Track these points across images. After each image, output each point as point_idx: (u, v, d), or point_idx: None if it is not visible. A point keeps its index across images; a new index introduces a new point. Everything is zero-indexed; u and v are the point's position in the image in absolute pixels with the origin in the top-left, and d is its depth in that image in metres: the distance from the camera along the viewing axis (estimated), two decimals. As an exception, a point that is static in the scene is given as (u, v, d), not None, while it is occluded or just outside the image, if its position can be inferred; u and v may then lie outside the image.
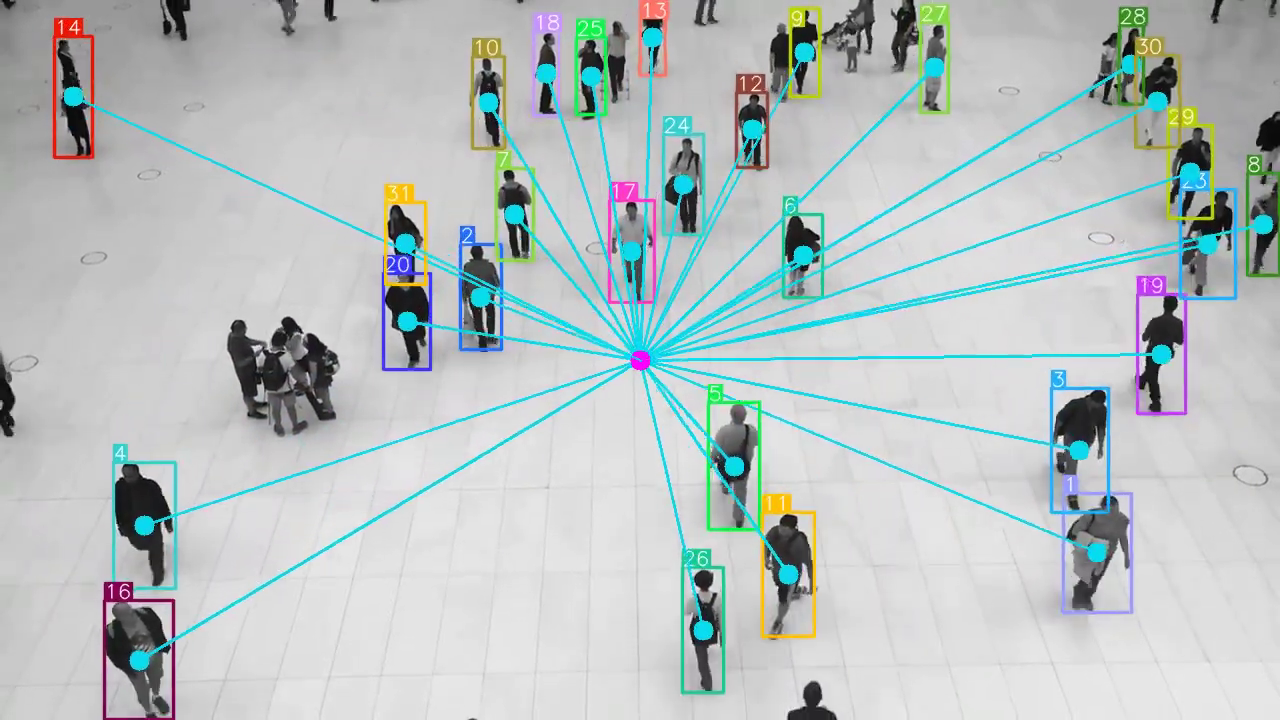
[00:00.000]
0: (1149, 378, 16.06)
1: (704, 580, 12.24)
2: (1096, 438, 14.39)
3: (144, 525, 13.32)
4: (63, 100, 21.94)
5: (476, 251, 17.23)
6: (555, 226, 20.12)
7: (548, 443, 15.74)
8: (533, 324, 17.87)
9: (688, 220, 19.91)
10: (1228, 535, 14.31)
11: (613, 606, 13.52)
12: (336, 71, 25.70)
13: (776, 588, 13.09)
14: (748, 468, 14.24)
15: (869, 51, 25.88)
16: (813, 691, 10.93)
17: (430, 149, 22.61)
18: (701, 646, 12.51)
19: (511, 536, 14.40)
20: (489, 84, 21.98)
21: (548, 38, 22.97)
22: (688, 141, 19.56)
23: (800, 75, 23.86)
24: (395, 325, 16.78)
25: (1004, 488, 15.02)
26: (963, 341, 17.47)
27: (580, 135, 22.89)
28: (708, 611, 12.29)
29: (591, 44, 22.90)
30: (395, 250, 18.07)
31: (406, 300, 16.65)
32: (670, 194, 19.61)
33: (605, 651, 13.01)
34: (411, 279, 16.94)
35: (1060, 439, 14.56)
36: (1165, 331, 15.72)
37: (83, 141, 22.38)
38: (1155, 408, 16.09)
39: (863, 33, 25.77)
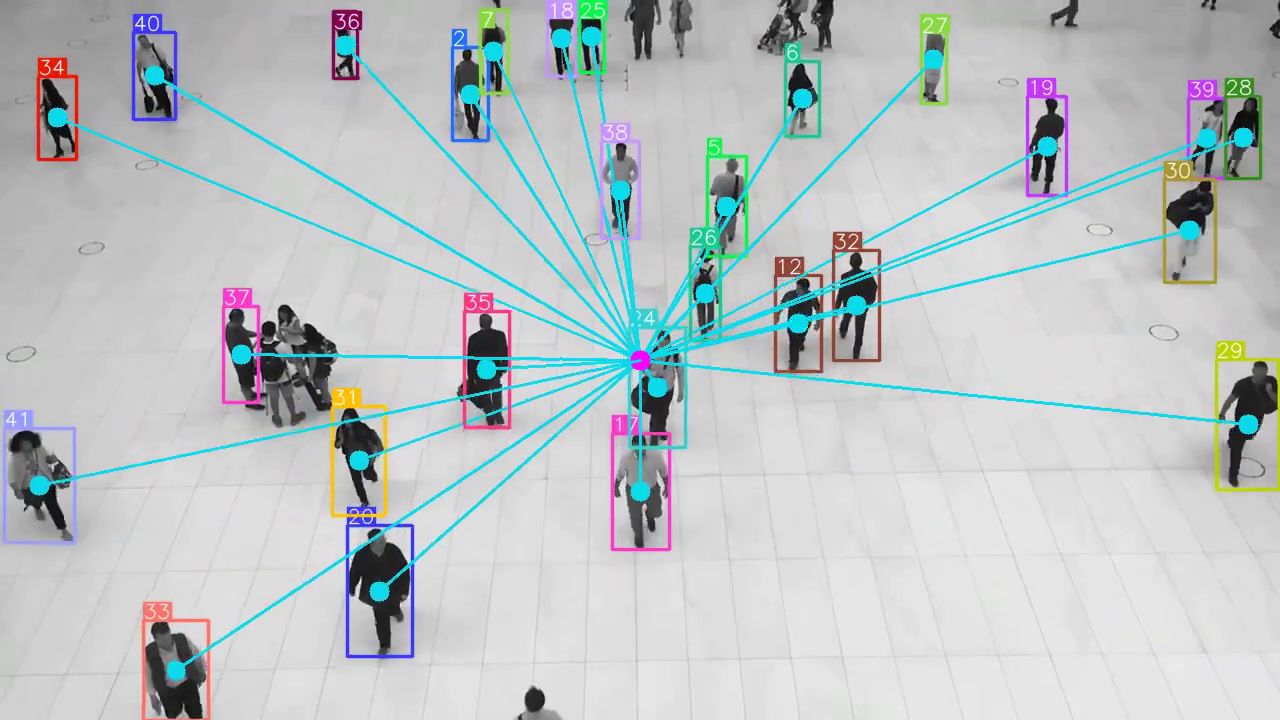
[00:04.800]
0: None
1: (705, 277, 16.01)
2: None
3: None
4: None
5: (467, 54, 20.54)
6: (556, 217, 20.12)
7: (547, 436, 15.74)
8: (532, 322, 17.86)
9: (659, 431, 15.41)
10: (1225, 527, 14.34)
11: (611, 596, 13.55)
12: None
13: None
14: (739, 207, 18.12)
15: (802, 34, 25.80)
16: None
17: (426, 141, 22.56)
18: (703, 308, 16.76)
19: (510, 527, 14.42)
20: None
21: (563, 12, 23.41)
22: (665, 335, 15.47)
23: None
24: (364, 598, 12.51)
25: (1002, 479, 15.05)
26: (961, 332, 17.48)
27: (592, 110, 23.15)
28: (705, 276, 16.11)
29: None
30: (350, 470, 14.37)
31: (380, 564, 12.32)
32: (644, 398, 15.31)
33: (604, 641, 13.04)
34: (378, 531, 12.49)
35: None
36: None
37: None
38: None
39: (797, 19, 25.70)
